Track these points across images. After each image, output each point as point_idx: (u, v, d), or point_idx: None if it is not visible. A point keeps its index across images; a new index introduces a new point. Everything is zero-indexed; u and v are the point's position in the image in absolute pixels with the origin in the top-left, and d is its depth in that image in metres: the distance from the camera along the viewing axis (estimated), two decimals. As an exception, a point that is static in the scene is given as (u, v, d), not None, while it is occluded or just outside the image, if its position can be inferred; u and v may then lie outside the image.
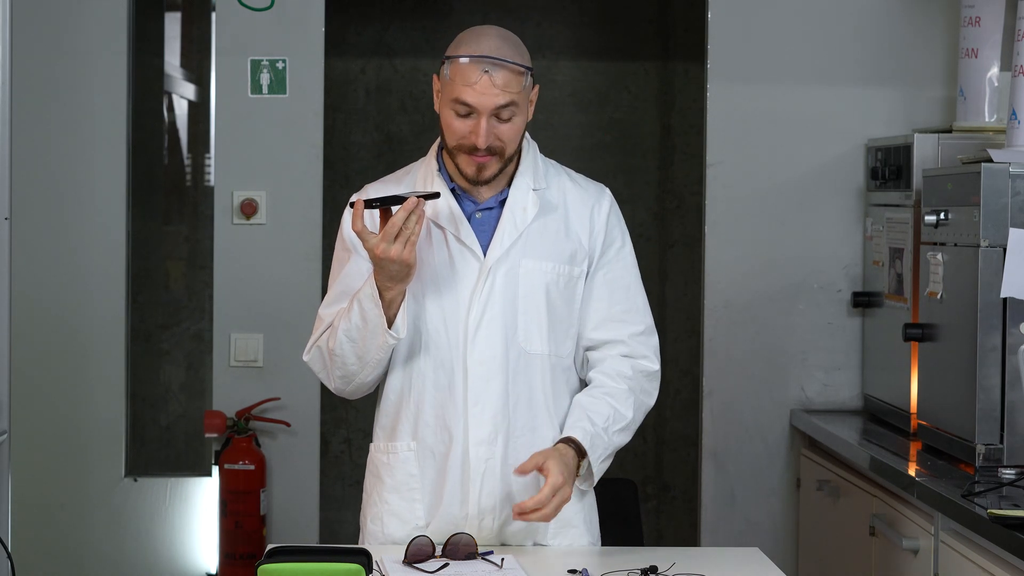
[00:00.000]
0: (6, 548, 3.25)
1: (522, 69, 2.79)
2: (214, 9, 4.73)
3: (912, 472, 3.54)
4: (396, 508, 2.89)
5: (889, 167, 4.26)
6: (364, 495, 2.98)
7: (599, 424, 2.82)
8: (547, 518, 2.71)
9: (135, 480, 4.80)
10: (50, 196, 4.70)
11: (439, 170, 2.90)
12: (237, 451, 4.60)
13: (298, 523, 4.69)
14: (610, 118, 5.88)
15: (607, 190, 3.00)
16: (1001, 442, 3.48)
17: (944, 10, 4.53)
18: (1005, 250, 3.47)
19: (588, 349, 2.93)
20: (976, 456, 3.49)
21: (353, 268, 2.87)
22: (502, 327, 2.83)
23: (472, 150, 2.78)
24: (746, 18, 4.57)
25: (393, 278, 2.73)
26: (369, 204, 2.72)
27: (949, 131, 4.19)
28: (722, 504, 4.59)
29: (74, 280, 4.71)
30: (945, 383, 3.72)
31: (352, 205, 2.73)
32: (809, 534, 4.45)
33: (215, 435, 4.64)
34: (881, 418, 4.33)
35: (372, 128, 5.87)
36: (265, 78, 4.66)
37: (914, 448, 3.88)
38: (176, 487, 4.83)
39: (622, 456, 5.85)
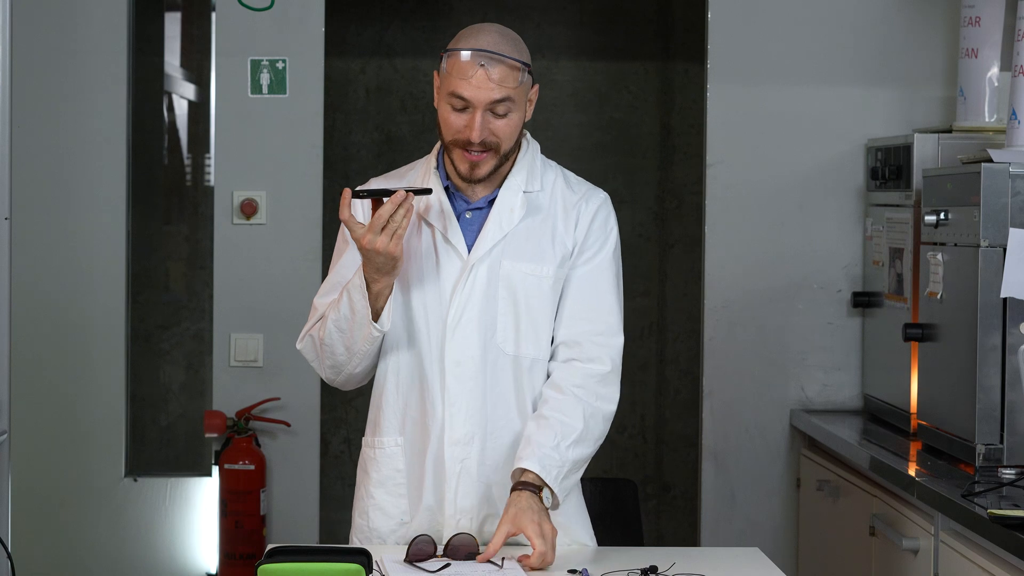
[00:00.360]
0: (6, 548, 3.25)
1: (519, 65, 2.79)
2: (214, 9, 4.73)
3: (912, 472, 3.54)
4: (381, 502, 2.90)
5: (889, 167, 4.26)
6: (355, 489, 2.99)
7: (548, 445, 2.77)
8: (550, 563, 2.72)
9: (135, 480, 4.80)
10: (50, 196, 4.70)
11: (437, 167, 2.91)
12: (237, 451, 4.60)
13: (298, 523, 4.69)
14: (610, 118, 5.88)
15: (601, 193, 2.96)
16: (1001, 442, 3.48)
17: (944, 10, 4.53)
18: (1005, 250, 3.47)
19: (550, 357, 2.90)
20: (976, 456, 3.49)
21: (349, 259, 2.88)
22: (479, 327, 2.83)
23: (466, 145, 2.79)
24: (746, 18, 4.57)
25: (380, 270, 2.74)
26: (357, 194, 2.73)
27: (949, 131, 4.19)
28: (722, 504, 4.59)
29: (74, 280, 4.71)
30: (945, 383, 3.72)
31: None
32: (809, 534, 4.45)
33: (215, 435, 4.64)
34: (881, 418, 4.32)
35: (372, 128, 5.87)
36: (265, 78, 4.66)
37: (914, 448, 3.88)
38: (176, 487, 4.83)
39: (622, 456, 5.89)
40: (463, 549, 2.73)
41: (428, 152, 2.99)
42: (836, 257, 4.56)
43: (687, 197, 5.83)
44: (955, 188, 3.66)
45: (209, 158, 5.21)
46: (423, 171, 2.93)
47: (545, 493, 2.75)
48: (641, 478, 5.88)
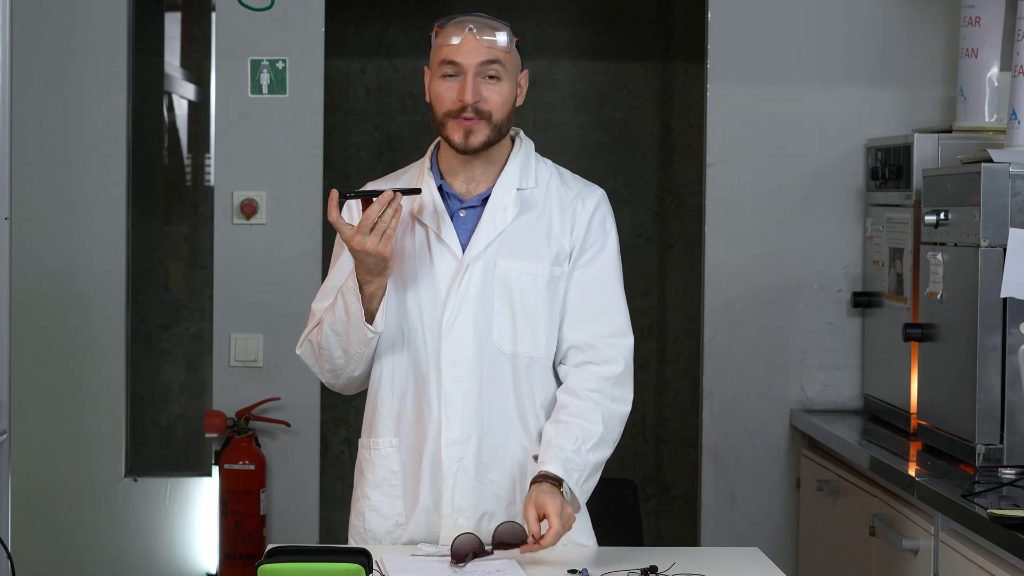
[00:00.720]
0: (6, 548, 3.26)
1: (506, 30, 2.84)
2: (214, 9, 4.73)
3: (912, 472, 3.54)
4: (376, 504, 2.90)
5: (889, 167, 4.26)
6: (352, 490, 2.99)
7: (569, 448, 2.78)
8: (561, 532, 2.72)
9: (135, 480, 4.80)
10: (50, 196, 4.70)
11: (431, 168, 2.91)
12: (237, 451, 4.60)
13: (298, 523, 4.69)
14: (610, 118, 5.88)
15: (598, 190, 2.97)
16: (1001, 442, 3.48)
17: (944, 10, 4.53)
18: (1005, 250, 3.47)
19: (560, 361, 2.91)
20: (976, 456, 3.49)
21: (344, 264, 2.89)
22: (475, 327, 2.84)
23: (460, 112, 2.80)
24: (746, 18, 4.57)
25: (371, 271, 2.74)
26: (344, 196, 2.73)
27: (949, 131, 4.19)
28: (722, 504, 4.59)
29: (74, 280, 4.71)
30: (945, 383, 3.72)
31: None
32: (809, 534, 4.45)
33: (215, 435, 4.64)
34: (881, 418, 4.32)
35: (372, 128, 5.87)
36: (265, 78, 4.66)
37: (914, 448, 3.88)
38: (176, 487, 4.83)
39: (622, 456, 5.89)
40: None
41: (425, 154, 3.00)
42: (836, 257, 4.56)
43: (687, 197, 5.83)
44: (955, 188, 3.66)
45: (209, 158, 5.21)
46: (417, 173, 2.94)
47: (565, 491, 2.75)
48: (641, 478, 5.88)
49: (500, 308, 2.85)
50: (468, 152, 2.84)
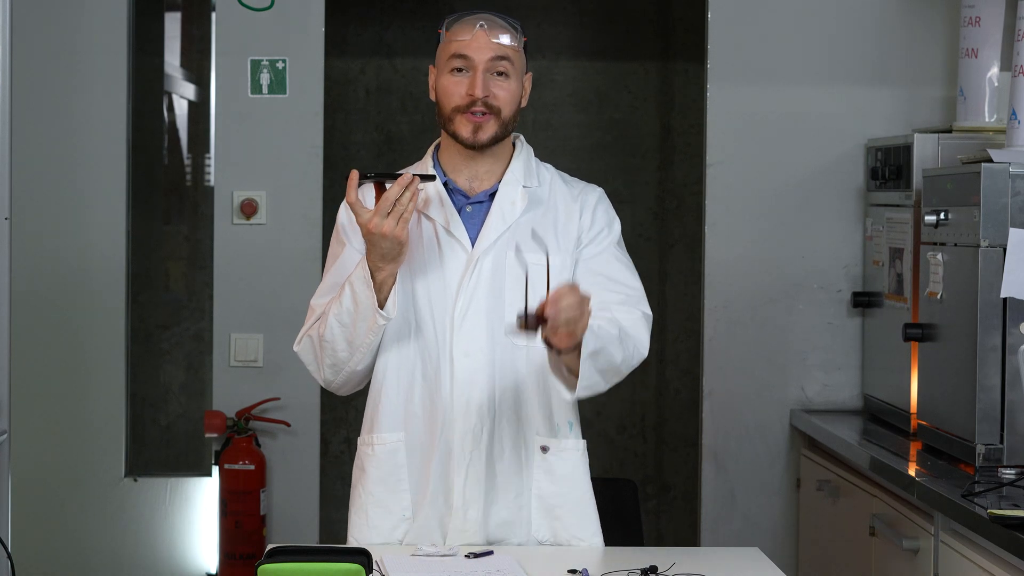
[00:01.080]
0: (6, 548, 3.26)
1: (515, 30, 2.87)
2: (214, 9, 4.73)
3: (912, 472, 3.54)
4: (382, 499, 2.89)
5: (889, 167, 4.26)
6: (351, 488, 2.98)
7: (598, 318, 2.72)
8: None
9: (135, 480, 4.80)
10: (50, 196, 4.70)
11: (433, 166, 2.93)
12: (237, 451, 4.60)
13: (298, 523, 4.69)
14: (610, 118, 5.88)
15: (598, 188, 3.00)
16: (1001, 442, 3.48)
17: (944, 10, 4.53)
18: (1005, 250, 3.47)
19: None
20: (976, 456, 3.49)
21: (346, 259, 2.89)
22: (487, 319, 2.84)
23: (469, 107, 2.81)
24: (746, 18, 4.57)
25: (384, 257, 2.74)
26: (364, 177, 2.73)
27: (949, 131, 4.19)
28: (722, 504, 4.59)
29: (74, 280, 4.71)
30: (945, 383, 3.72)
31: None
32: (809, 534, 4.45)
33: (215, 435, 4.64)
34: (881, 418, 4.32)
35: (372, 128, 5.87)
36: (265, 78, 4.66)
37: (914, 448, 3.88)
38: (176, 487, 4.83)
39: (622, 456, 5.89)
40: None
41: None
42: (836, 257, 4.56)
43: (687, 197, 5.83)
44: (955, 188, 3.66)
45: (209, 158, 5.21)
46: (419, 170, 2.94)
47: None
48: (641, 478, 5.88)
49: (512, 300, 2.85)
50: (475, 147, 2.85)
